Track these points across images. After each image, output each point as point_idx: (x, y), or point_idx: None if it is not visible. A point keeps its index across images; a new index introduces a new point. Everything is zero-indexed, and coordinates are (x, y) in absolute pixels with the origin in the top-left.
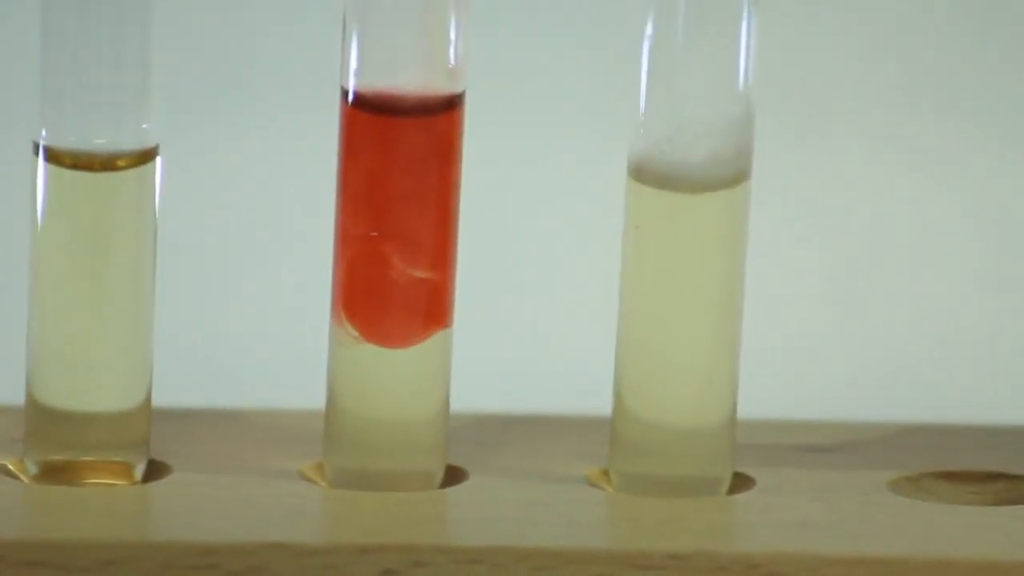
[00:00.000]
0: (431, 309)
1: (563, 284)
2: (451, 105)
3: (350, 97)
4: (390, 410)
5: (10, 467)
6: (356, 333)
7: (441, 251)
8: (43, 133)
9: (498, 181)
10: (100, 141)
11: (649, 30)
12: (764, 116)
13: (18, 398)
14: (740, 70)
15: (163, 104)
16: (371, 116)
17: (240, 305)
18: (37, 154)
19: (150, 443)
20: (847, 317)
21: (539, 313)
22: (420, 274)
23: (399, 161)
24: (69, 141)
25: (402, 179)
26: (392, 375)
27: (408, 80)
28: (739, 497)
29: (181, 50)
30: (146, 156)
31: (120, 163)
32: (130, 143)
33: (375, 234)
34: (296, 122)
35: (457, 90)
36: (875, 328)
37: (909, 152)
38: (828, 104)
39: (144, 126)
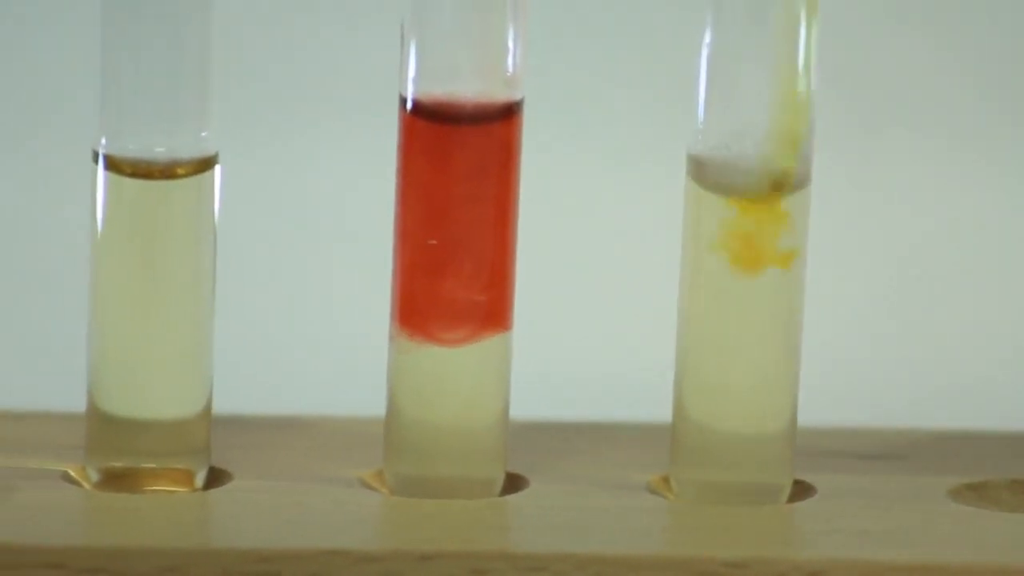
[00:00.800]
0: (489, 312)
1: (623, 290)
2: (509, 112)
3: (408, 105)
4: (450, 416)
5: (72, 474)
6: (414, 337)
7: (499, 257)
8: (103, 141)
9: (557, 188)
10: (160, 149)
11: (708, 38)
12: (825, 120)
13: (79, 406)
14: (799, 75)
15: (222, 112)
16: (429, 124)
17: (300, 312)
18: (97, 162)
19: (211, 450)
20: (908, 323)
21: (600, 319)
22: (478, 280)
23: (457, 169)
24: (129, 149)
25: (460, 186)
26: (452, 380)
27: (466, 88)
28: (799, 505)
29: (240, 58)
30: (205, 164)
31: (179, 171)
32: (189, 151)
33: (433, 242)
34: (355, 130)
35: (515, 98)
36: (937, 334)
37: (975, 155)
38: (891, 108)
39: (203, 134)
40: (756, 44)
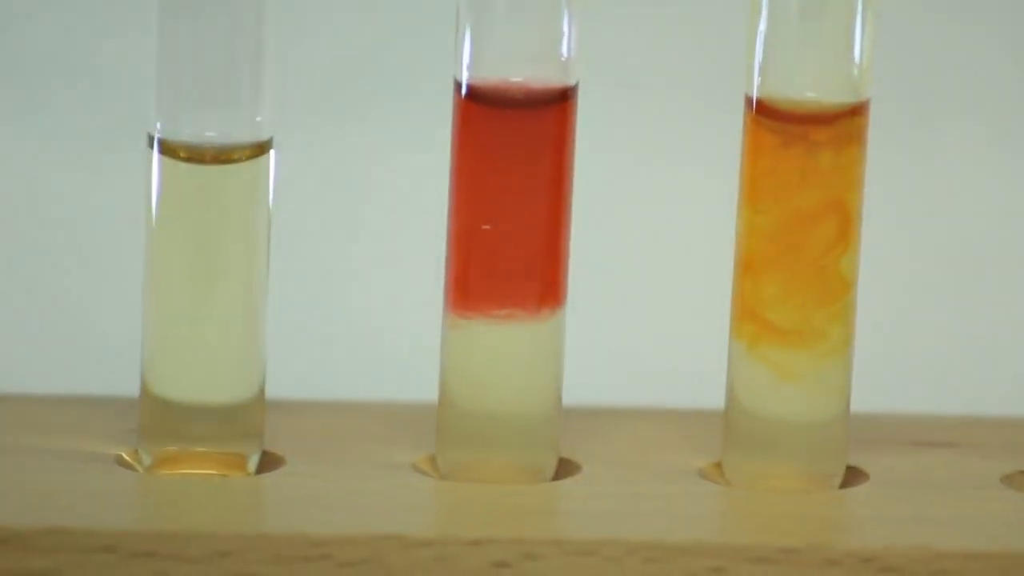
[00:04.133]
0: (542, 292)
1: (676, 276)
2: (563, 97)
3: (463, 90)
4: (502, 400)
5: (125, 458)
6: (467, 315)
7: (553, 239)
8: (158, 126)
9: (610, 173)
10: (214, 134)
11: (762, 25)
12: (880, 110)
13: (133, 390)
14: (855, 60)
15: (277, 97)
16: (483, 108)
17: (355, 297)
18: (152, 147)
19: (264, 435)
20: (962, 309)
21: (654, 306)
22: (531, 259)
23: (511, 153)
24: (184, 134)
25: (514, 171)
26: (504, 360)
27: (520, 73)
28: (852, 491)
29: (295, 42)
30: (260, 149)
31: (234, 156)
32: (244, 136)
33: (487, 227)
34: (409, 115)
35: (570, 83)
36: (990, 321)
37: None
38: (945, 98)
39: (258, 119)
40: (812, 27)
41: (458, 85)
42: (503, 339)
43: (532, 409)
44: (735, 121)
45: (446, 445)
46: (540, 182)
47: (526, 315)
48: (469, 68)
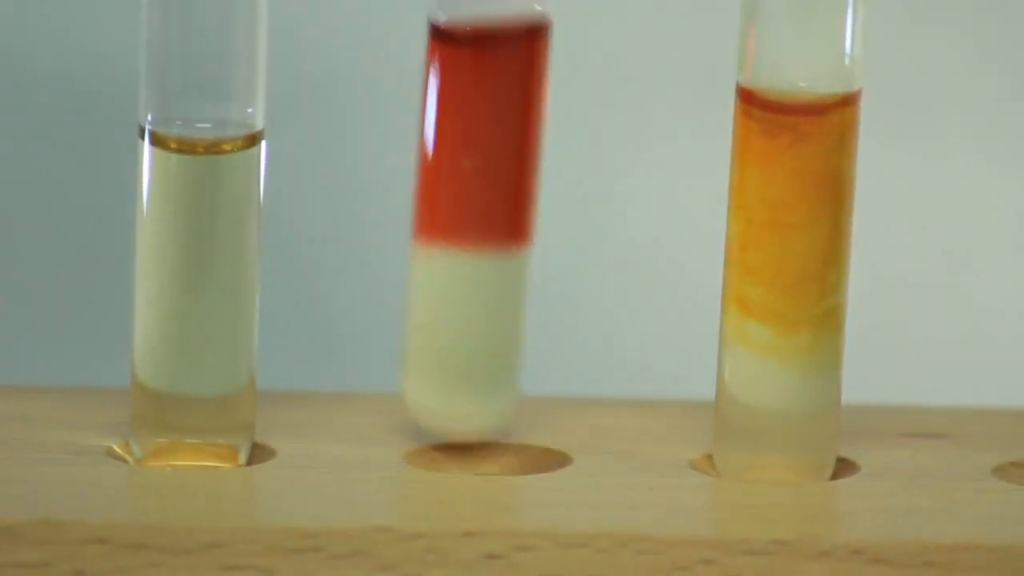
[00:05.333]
0: (512, 222)
1: (665, 267)
2: (535, 36)
3: (434, 29)
4: (464, 331)
5: (116, 449)
6: (434, 242)
7: (522, 174)
8: (148, 117)
9: (599, 163)
10: (205, 125)
11: (753, 15)
12: (872, 105)
13: (123, 381)
14: (847, 50)
15: (269, 88)
16: (454, 47)
17: (346, 288)
18: (142, 138)
19: (255, 426)
20: (953, 301)
21: (643, 296)
22: (499, 187)
23: (482, 87)
24: (174, 125)
25: (486, 106)
26: (469, 294)
27: (495, 9)
28: (843, 482)
29: (286, 32)
30: (251, 140)
31: (225, 147)
32: (235, 127)
33: (468, 163)
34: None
35: (544, 22)
36: (982, 312)
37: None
38: (939, 85)
39: (249, 110)
40: (804, 16)
41: (430, 24)
42: (469, 269)
43: (494, 344)
44: (725, 110)
45: (413, 372)
46: (511, 117)
47: (493, 248)
48: (440, 6)
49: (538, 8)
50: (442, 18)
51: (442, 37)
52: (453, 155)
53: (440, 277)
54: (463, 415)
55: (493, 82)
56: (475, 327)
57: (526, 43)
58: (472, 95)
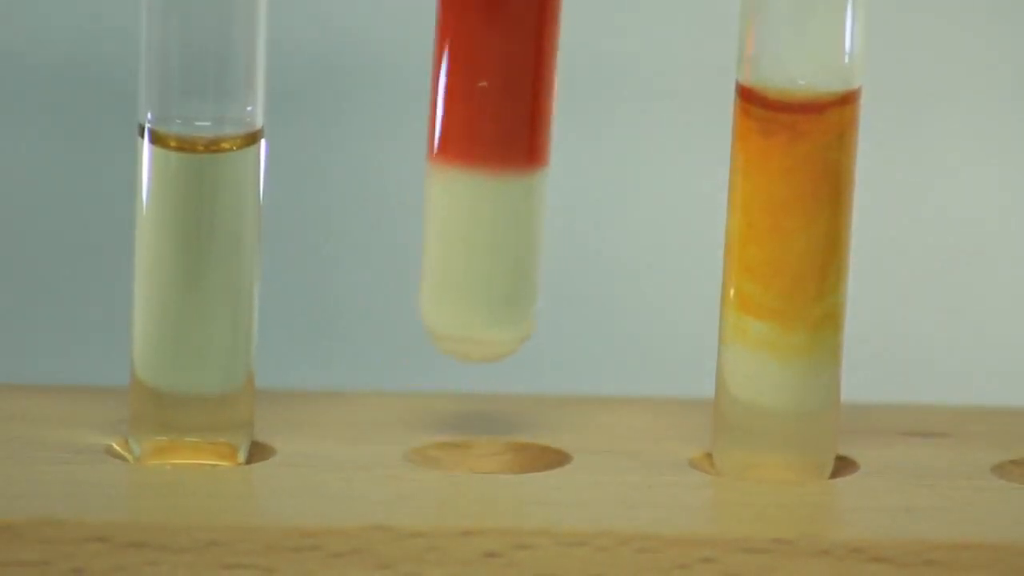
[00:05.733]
0: (528, 143)
1: (664, 265)
2: None
3: None
4: (480, 249)
5: (115, 448)
6: (452, 163)
7: (538, 90)
8: (148, 115)
9: (600, 164)
10: (205, 123)
11: (753, 13)
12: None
13: (123, 380)
14: (846, 48)
15: (268, 86)
16: None
17: (346, 286)
18: (142, 136)
19: (254, 425)
20: (953, 299)
21: (644, 294)
22: (515, 107)
23: (498, 16)
24: (174, 124)
25: (503, 36)
26: (483, 213)
27: None
28: (842, 481)
29: (286, 31)
30: (251, 138)
31: (225, 145)
32: (235, 125)
33: (483, 84)
34: (401, 104)
35: None
36: (982, 311)
37: (1022, 131)
38: (940, 83)
39: (248, 108)
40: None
41: None
42: (485, 191)
43: (512, 257)
44: (726, 107)
45: (430, 295)
46: (528, 50)
47: (509, 169)
48: None
49: None
50: None
51: None
52: (468, 77)
53: (456, 199)
54: (481, 339)
55: (507, 13)
56: (493, 249)
57: None
58: (485, 16)
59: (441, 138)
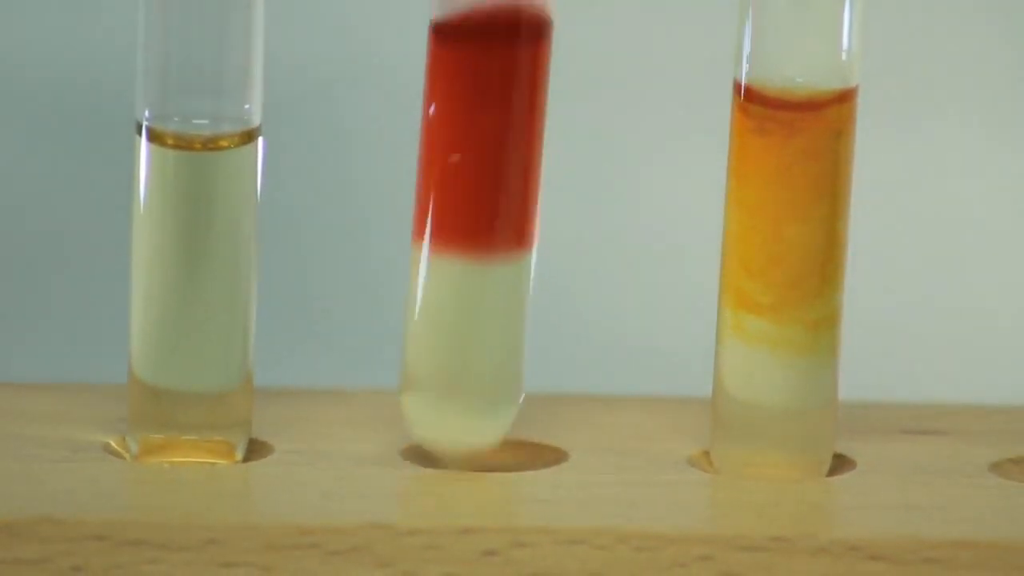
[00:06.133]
0: (517, 227)
1: (662, 262)
2: (539, 35)
3: (434, 29)
4: (466, 337)
5: (113, 446)
6: (438, 251)
7: (525, 173)
8: (145, 113)
9: (596, 159)
10: (202, 121)
11: (751, 11)
12: (870, 89)
13: (121, 378)
14: (844, 46)
15: (267, 85)
16: (454, 47)
17: (343, 284)
18: (140, 134)
19: (252, 422)
20: (950, 298)
21: (641, 292)
22: (501, 194)
23: (483, 90)
24: (172, 121)
25: (486, 107)
26: (470, 299)
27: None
28: (840, 479)
29: (283, 28)
30: (248, 136)
31: (222, 143)
32: (232, 123)
33: (455, 157)
34: (398, 100)
35: (545, 19)
36: (980, 309)
37: (1018, 130)
38: (937, 81)
39: (246, 106)
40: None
41: (431, 24)
42: (470, 275)
43: (496, 349)
44: (723, 105)
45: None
46: (512, 120)
47: (496, 254)
48: (439, 5)
49: (537, 2)
50: (442, 16)
51: (442, 36)
52: (448, 154)
53: (440, 285)
54: (462, 435)
55: (492, 82)
56: (475, 342)
57: (526, 44)
58: (472, 98)
59: (427, 222)
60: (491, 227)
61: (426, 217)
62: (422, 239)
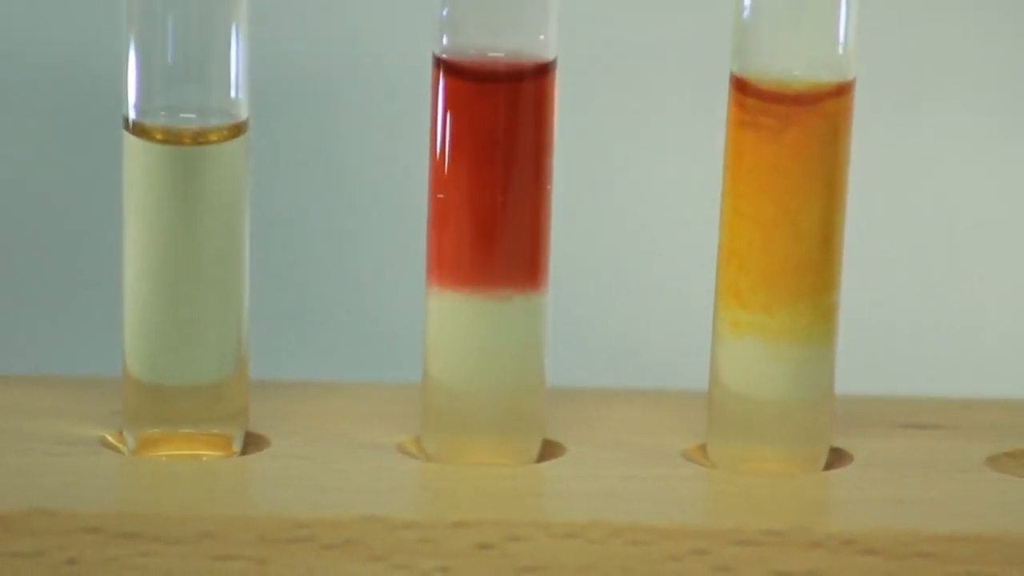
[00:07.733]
0: (526, 269)
1: (660, 256)
2: (543, 72)
3: (442, 64)
4: (485, 379)
5: (110, 439)
6: (452, 290)
7: (534, 213)
8: (133, 108)
9: (594, 155)
10: (189, 115)
11: (747, 4)
12: (866, 88)
13: (117, 371)
14: (840, 39)
15: (260, 81)
16: (462, 83)
17: (338, 276)
18: (127, 129)
19: (248, 416)
20: (947, 292)
21: (639, 287)
22: (513, 235)
23: (490, 127)
24: (159, 116)
25: (494, 144)
26: (487, 340)
27: (499, 47)
28: (836, 473)
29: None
30: (236, 130)
31: (211, 137)
32: (220, 116)
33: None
34: (389, 95)
35: (548, 57)
36: (976, 302)
37: (1015, 124)
38: (933, 74)
39: (234, 99)
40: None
41: (436, 60)
42: (486, 314)
43: (516, 385)
44: (719, 100)
45: (431, 426)
46: (519, 156)
47: (511, 292)
48: (447, 42)
49: (541, 38)
50: (447, 53)
51: (448, 72)
52: (464, 199)
53: (457, 323)
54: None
55: (501, 119)
56: (495, 376)
57: (533, 80)
58: (480, 137)
59: (438, 262)
60: (502, 266)
61: (439, 257)
62: (435, 279)
